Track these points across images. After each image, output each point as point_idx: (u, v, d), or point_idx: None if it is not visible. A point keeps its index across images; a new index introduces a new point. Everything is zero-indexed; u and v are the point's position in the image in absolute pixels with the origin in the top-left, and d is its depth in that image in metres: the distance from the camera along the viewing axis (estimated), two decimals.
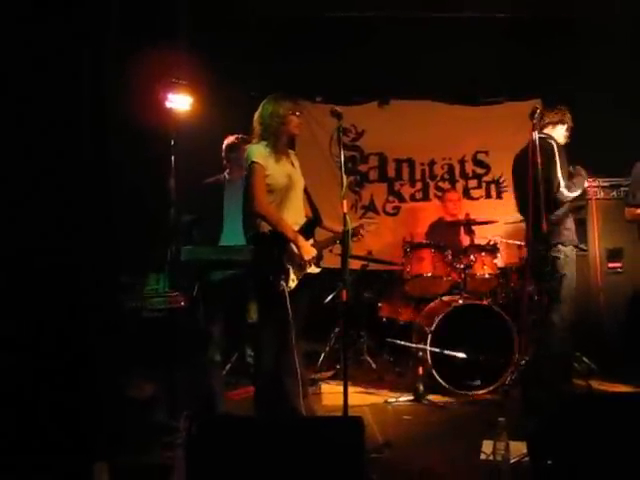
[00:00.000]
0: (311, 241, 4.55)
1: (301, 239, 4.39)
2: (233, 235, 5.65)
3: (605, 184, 6.35)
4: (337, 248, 4.65)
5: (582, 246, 6.41)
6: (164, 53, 5.63)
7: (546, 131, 5.30)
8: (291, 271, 4.37)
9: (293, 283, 4.37)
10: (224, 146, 5.88)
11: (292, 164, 4.62)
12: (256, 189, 4.37)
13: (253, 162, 4.39)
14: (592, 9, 7.06)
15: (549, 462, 3.15)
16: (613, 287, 6.29)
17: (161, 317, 4.68)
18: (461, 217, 7.05)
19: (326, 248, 4.70)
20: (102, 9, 3.97)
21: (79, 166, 3.71)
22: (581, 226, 6.47)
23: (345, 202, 4.05)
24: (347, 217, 4.04)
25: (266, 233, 4.40)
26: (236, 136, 5.85)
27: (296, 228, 4.44)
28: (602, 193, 6.36)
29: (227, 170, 5.92)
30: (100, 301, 4.06)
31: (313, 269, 4.55)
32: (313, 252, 4.42)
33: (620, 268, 6.35)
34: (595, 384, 5.63)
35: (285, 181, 4.47)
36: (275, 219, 4.37)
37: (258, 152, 4.44)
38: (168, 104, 5.58)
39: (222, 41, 6.97)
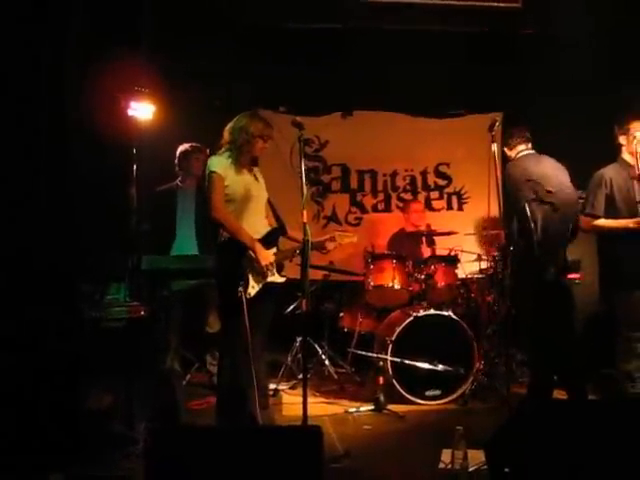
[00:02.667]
0: (274, 250, 4.58)
1: (258, 245, 4.44)
2: (185, 243, 5.67)
3: None
4: (299, 258, 4.65)
5: None
6: (127, 61, 5.60)
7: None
8: (251, 278, 4.40)
9: (253, 290, 4.41)
10: (177, 154, 5.91)
11: (255, 178, 4.69)
12: (214, 197, 4.46)
13: (212, 172, 4.50)
14: (551, 25, 7.17)
15: (506, 470, 3.18)
16: None
17: (121, 327, 4.63)
18: (423, 228, 7.11)
19: (288, 258, 4.71)
20: (63, 13, 3.94)
21: (37, 172, 3.67)
22: None
23: (305, 212, 4.08)
24: (307, 227, 4.07)
25: (225, 241, 4.47)
26: (190, 144, 5.89)
27: (257, 237, 4.48)
28: None
29: (179, 178, 5.94)
30: (59, 309, 4.02)
31: (276, 278, 4.59)
32: (270, 258, 4.48)
33: (578, 279, 6.42)
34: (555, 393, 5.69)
35: (244, 192, 4.54)
36: (232, 226, 4.45)
37: (218, 163, 4.54)
38: (130, 112, 5.56)
39: (186, 50, 6.94)
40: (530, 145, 5.43)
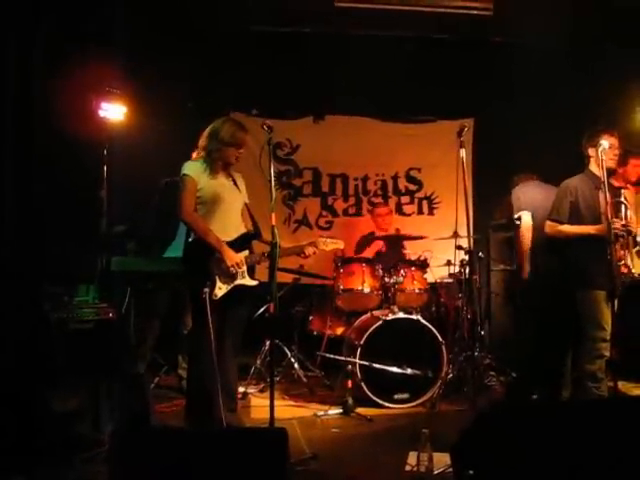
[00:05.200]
0: (245, 253, 4.60)
1: (224, 247, 4.48)
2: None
3: None
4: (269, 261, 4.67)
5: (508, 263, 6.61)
6: (99, 62, 5.58)
7: None
8: (218, 279, 4.43)
9: (220, 291, 4.45)
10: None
11: (234, 182, 4.75)
12: (183, 198, 4.53)
13: (184, 175, 4.58)
14: (521, 33, 7.26)
15: (470, 472, 3.21)
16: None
17: (89, 328, 4.61)
18: (391, 232, 7.15)
19: (257, 262, 4.72)
20: (32, 13, 3.92)
21: (3, 173, 3.65)
22: (509, 243, 6.65)
23: (274, 215, 4.11)
24: (275, 230, 4.09)
25: (193, 242, 4.53)
26: None
27: (227, 240, 4.53)
28: None
29: None
30: (25, 310, 3.99)
31: (248, 281, 4.62)
32: (236, 259, 4.50)
33: None
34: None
35: (217, 196, 4.60)
36: (200, 227, 4.50)
37: (192, 167, 4.62)
38: (102, 113, 5.54)
39: (158, 52, 6.94)
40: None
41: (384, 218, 7.25)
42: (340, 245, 5.04)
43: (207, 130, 4.68)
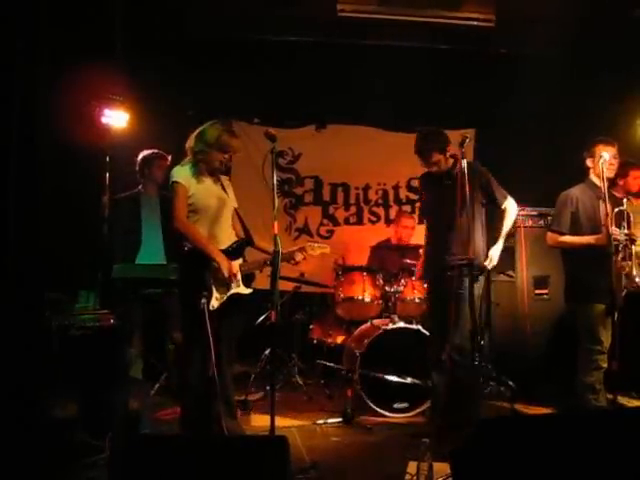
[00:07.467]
0: (239, 261, 4.57)
1: (221, 256, 4.43)
2: (152, 250, 5.64)
3: (533, 213, 6.53)
4: (269, 269, 4.66)
5: (510, 273, 6.59)
6: (101, 70, 5.59)
7: None
8: (214, 289, 4.41)
9: (217, 302, 4.41)
10: (139, 160, 5.88)
11: (222, 188, 4.66)
12: (176, 207, 4.45)
13: (174, 182, 4.48)
14: (523, 45, 7.29)
15: None
16: (539, 313, 6.43)
17: (89, 335, 4.61)
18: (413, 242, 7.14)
19: (257, 269, 4.71)
20: (34, 23, 3.94)
21: (5, 179, 3.65)
22: (509, 253, 6.63)
23: (276, 223, 4.08)
24: (277, 238, 4.07)
25: (188, 251, 4.46)
26: (152, 151, 5.86)
27: (222, 247, 4.49)
28: (530, 221, 6.53)
29: (140, 185, 5.92)
30: (25, 316, 4.00)
31: (242, 289, 4.58)
32: (234, 269, 4.46)
33: (546, 295, 6.50)
34: (519, 407, 5.76)
35: (208, 202, 4.53)
36: (194, 236, 4.43)
37: (182, 172, 4.52)
38: (104, 120, 5.55)
39: (161, 60, 6.96)
40: None
41: (409, 231, 7.18)
42: (326, 250, 4.96)
43: (197, 134, 4.57)
